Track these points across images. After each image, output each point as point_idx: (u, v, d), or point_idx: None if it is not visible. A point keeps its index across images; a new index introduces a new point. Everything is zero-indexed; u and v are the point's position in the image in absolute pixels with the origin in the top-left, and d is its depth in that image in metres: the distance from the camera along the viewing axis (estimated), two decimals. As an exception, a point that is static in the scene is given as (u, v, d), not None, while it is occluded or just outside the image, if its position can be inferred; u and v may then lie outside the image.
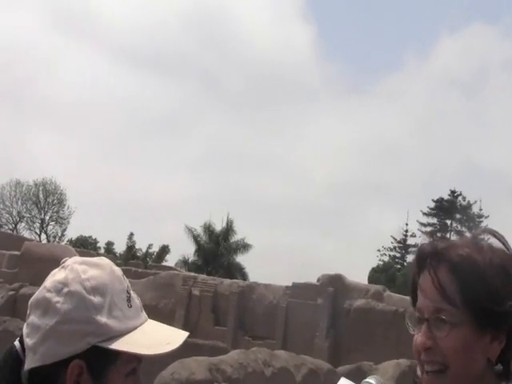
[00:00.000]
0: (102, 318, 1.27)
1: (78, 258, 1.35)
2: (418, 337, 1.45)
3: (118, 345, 1.26)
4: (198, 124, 77.28)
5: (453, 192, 52.47)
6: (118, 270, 1.35)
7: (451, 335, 1.42)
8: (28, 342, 1.28)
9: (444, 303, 1.43)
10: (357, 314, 26.46)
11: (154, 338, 1.31)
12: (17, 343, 1.32)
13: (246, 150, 73.47)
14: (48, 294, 1.29)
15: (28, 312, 1.31)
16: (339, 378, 1.41)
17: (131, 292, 1.34)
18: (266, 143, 74.78)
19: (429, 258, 1.49)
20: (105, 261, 1.36)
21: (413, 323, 1.49)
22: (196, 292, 28.34)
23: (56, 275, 1.32)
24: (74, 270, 1.30)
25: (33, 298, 1.31)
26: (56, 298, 1.27)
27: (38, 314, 1.29)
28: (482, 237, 1.52)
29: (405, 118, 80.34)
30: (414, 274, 1.53)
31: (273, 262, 63.30)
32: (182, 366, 15.39)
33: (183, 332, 1.37)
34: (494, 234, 1.51)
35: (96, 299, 1.28)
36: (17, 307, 26.05)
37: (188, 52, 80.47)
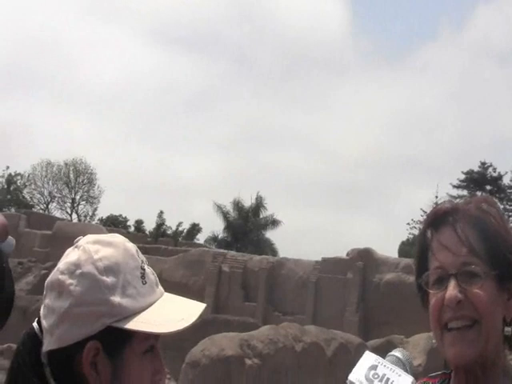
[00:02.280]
0: (116, 298, 1.26)
1: (91, 237, 1.34)
2: (447, 292, 1.43)
3: (133, 324, 1.26)
4: (229, 102, 77.08)
5: (483, 163, 51.88)
6: (131, 247, 1.34)
7: (482, 287, 1.42)
8: (45, 323, 1.29)
9: (471, 257, 1.43)
10: (387, 288, 26.42)
11: (169, 314, 1.30)
12: (35, 324, 1.32)
13: (276, 126, 73.24)
14: (61, 277, 1.28)
15: (44, 293, 1.32)
16: (364, 353, 1.39)
17: (146, 268, 1.33)
18: (297, 119, 74.41)
19: (450, 215, 1.48)
20: (118, 238, 1.35)
21: (429, 284, 1.47)
22: (226, 268, 28.48)
23: (69, 256, 1.31)
24: (87, 251, 1.29)
25: (48, 279, 1.32)
26: (69, 281, 1.27)
27: (52, 296, 1.29)
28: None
29: (438, 89, 79.21)
30: (425, 236, 1.52)
31: (303, 238, 63.37)
32: (212, 342, 15.53)
33: (200, 305, 1.36)
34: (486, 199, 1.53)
35: (109, 279, 1.27)
36: (50, 286, 26.42)
37: (220, 30, 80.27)
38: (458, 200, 1.54)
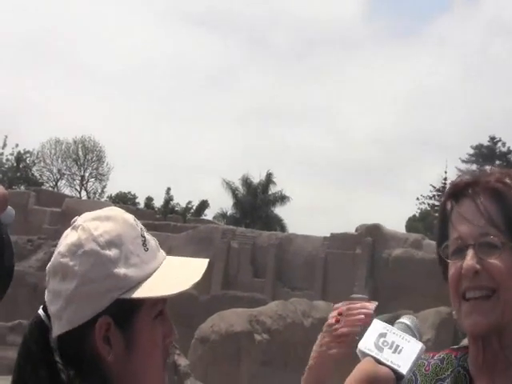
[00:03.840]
0: (121, 270, 1.25)
1: (88, 215, 1.32)
2: (465, 261, 1.44)
3: (141, 293, 1.26)
4: (241, 80, 76.91)
5: (492, 138, 51.57)
6: (129, 217, 1.33)
7: (500, 258, 1.43)
8: (51, 308, 1.28)
9: (490, 228, 1.44)
10: (395, 263, 26.46)
11: (174, 276, 1.30)
12: (41, 311, 1.31)
13: (289, 104, 72.97)
14: (63, 260, 1.27)
15: (47, 279, 1.31)
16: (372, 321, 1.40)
17: (146, 235, 1.33)
18: (310, 97, 74.26)
19: (470, 187, 1.50)
20: (115, 211, 1.34)
21: (449, 254, 1.50)
22: (235, 245, 28.57)
23: (68, 238, 1.30)
24: (86, 229, 1.28)
25: (49, 265, 1.30)
26: (72, 262, 1.26)
27: (56, 280, 1.28)
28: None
29: (451, 64, 78.76)
30: (446, 207, 1.54)
31: (311, 215, 63.42)
32: (221, 318, 15.62)
33: (203, 261, 1.36)
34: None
35: (112, 252, 1.26)
36: (60, 263, 26.58)
37: (236, 8, 79.71)
38: (478, 172, 1.56)
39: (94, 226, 1.29)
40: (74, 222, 1.32)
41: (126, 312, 1.26)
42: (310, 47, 79.37)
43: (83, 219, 1.31)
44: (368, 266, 27.10)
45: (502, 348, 1.46)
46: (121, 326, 1.26)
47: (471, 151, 51.78)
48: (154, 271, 1.30)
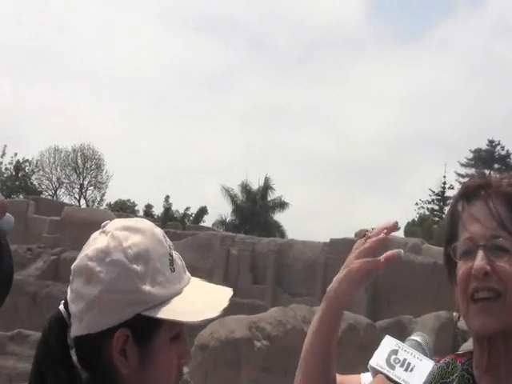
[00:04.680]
0: (146, 287, 1.25)
1: (118, 223, 1.32)
2: (475, 262, 1.45)
3: (163, 313, 1.25)
4: (242, 84, 76.97)
5: (491, 142, 51.71)
6: (159, 233, 1.33)
7: (509, 262, 1.44)
8: (73, 308, 1.28)
9: (501, 231, 1.46)
10: (395, 268, 26.43)
11: (198, 302, 1.29)
12: (62, 308, 1.32)
13: (289, 107, 73.12)
14: (90, 263, 1.27)
15: (71, 278, 1.31)
16: (384, 337, 1.39)
17: (173, 253, 1.32)
18: (310, 99, 74.30)
19: (483, 189, 1.51)
20: (146, 224, 1.33)
21: (458, 254, 1.50)
22: (234, 251, 28.55)
23: (97, 242, 1.29)
24: (116, 238, 1.27)
25: (75, 264, 1.30)
26: (98, 268, 1.26)
27: (81, 281, 1.27)
28: None
29: (454, 66, 78.95)
30: (457, 208, 1.55)
31: (311, 220, 63.41)
32: (221, 324, 15.60)
33: (227, 290, 1.36)
34: None
35: (139, 268, 1.26)
36: (59, 271, 26.56)
37: (237, 10, 79.86)
38: (489, 175, 1.58)
39: (124, 236, 1.28)
40: (105, 226, 1.32)
41: (146, 329, 1.26)
42: (310, 49, 79.74)
43: (114, 226, 1.31)
44: (368, 271, 27.07)
45: (508, 350, 1.47)
46: (138, 341, 1.26)
47: (470, 155, 51.88)
48: (179, 293, 1.29)
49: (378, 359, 1.33)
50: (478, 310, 1.45)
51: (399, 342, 1.36)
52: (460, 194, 1.56)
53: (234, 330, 15.58)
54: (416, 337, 1.40)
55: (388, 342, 1.36)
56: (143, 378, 1.27)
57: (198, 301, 1.30)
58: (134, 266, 1.25)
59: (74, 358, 1.27)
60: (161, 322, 1.26)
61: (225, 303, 1.31)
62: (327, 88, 77.05)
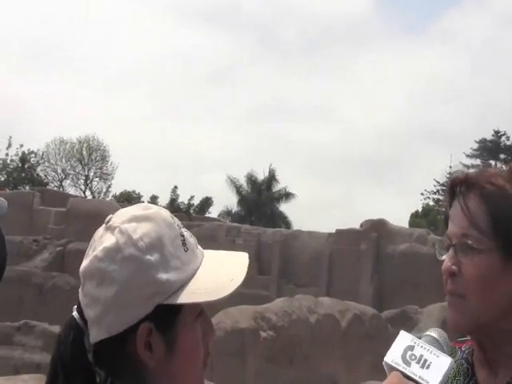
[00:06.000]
0: (163, 275, 1.19)
1: (124, 215, 1.25)
2: (444, 262, 1.46)
3: (183, 298, 1.20)
4: (248, 75, 76.70)
5: (496, 132, 51.51)
6: (167, 215, 1.26)
7: (476, 261, 1.41)
8: (89, 313, 1.22)
9: (471, 229, 1.43)
10: (400, 259, 26.44)
11: (216, 278, 1.25)
12: (75, 314, 1.25)
13: (295, 99, 72.94)
14: (101, 264, 1.20)
15: (82, 281, 1.24)
16: (399, 333, 1.34)
17: (184, 232, 1.27)
18: (316, 91, 74.05)
19: (460, 185, 1.48)
20: (152, 209, 1.27)
21: (441, 250, 1.50)
22: (240, 242, 28.58)
23: (105, 241, 1.22)
24: (124, 232, 1.21)
25: (84, 267, 1.23)
26: (111, 267, 1.19)
27: (93, 284, 1.21)
28: None
29: (460, 58, 78.45)
30: (446, 204, 1.54)
31: (316, 211, 63.39)
32: (226, 315, 15.63)
33: (243, 256, 1.32)
34: None
35: (153, 257, 1.20)
36: (65, 263, 26.62)
37: (242, 2, 79.39)
38: (470, 170, 1.54)
39: (132, 228, 1.21)
40: (109, 221, 1.25)
41: (168, 316, 1.22)
42: (316, 42, 79.25)
43: (120, 220, 1.24)
44: (373, 261, 27.09)
45: (496, 347, 1.45)
46: (162, 329, 1.21)
47: (475, 145, 51.73)
48: (195, 272, 1.25)
49: (393, 355, 1.28)
50: (448, 308, 1.48)
51: (415, 337, 1.31)
52: (447, 191, 1.55)
53: (239, 321, 15.61)
54: (432, 332, 1.35)
55: (403, 338, 1.30)
56: (170, 364, 1.23)
57: (217, 275, 1.25)
58: (148, 257, 1.19)
59: (92, 361, 1.22)
60: (182, 306, 1.22)
61: (244, 271, 1.28)
62: (332, 80, 76.87)
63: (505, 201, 1.43)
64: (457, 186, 1.49)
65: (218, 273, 1.26)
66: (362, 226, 28.46)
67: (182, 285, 1.22)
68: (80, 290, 1.25)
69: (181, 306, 1.22)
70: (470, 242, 1.42)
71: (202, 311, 1.27)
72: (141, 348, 1.20)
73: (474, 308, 1.42)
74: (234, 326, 15.55)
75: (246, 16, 79.69)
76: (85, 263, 1.23)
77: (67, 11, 75.31)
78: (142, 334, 1.20)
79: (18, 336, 19.07)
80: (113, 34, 77.07)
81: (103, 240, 1.22)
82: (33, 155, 48.47)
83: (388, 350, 1.31)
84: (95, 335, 1.21)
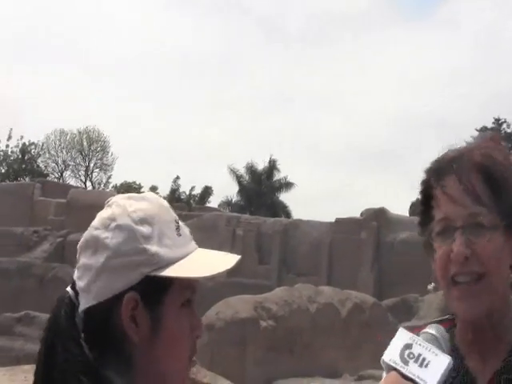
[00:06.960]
0: (153, 247, 1.24)
1: (122, 195, 1.33)
2: (454, 247, 1.37)
3: (171, 271, 1.24)
4: (246, 66, 76.46)
5: (497, 120, 51.41)
6: (165, 203, 1.33)
7: (490, 240, 1.36)
8: (80, 284, 1.27)
9: (478, 207, 1.36)
10: (401, 247, 26.45)
11: (206, 262, 1.29)
12: (69, 289, 1.30)
13: (298, 88, 72.65)
14: (96, 232, 1.26)
15: (78, 256, 1.30)
16: (398, 330, 1.32)
17: (180, 222, 1.32)
18: (318, 80, 73.89)
19: (454, 162, 1.40)
20: (151, 194, 1.34)
21: (433, 234, 1.43)
22: (240, 232, 28.60)
23: (102, 213, 1.29)
24: (121, 205, 1.28)
25: (81, 240, 1.29)
26: (105, 234, 1.25)
27: (88, 253, 1.27)
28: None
29: (460, 46, 78.16)
30: (428, 185, 1.45)
31: (316, 200, 63.39)
32: (226, 305, 15.67)
33: (235, 256, 1.35)
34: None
35: (145, 229, 1.25)
36: (65, 254, 26.67)
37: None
38: (463, 146, 1.44)
39: (129, 203, 1.28)
40: (108, 201, 1.32)
41: (154, 291, 1.25)
42: (318, 30, 79.04)
43: (118, 198, 1.31)
44: (373, 250, 27.11)
45: (492, 326, 1.41)
46: (148, 305, 1.24)
47: (475, 133, 51.71)
48: (186, 256, 1.29)
49: (391, 354, 1.26)
50: (460, 294, 1.38)
51: (414, 335, 1.28)
52: (431, 170, 1.45)
53: (240, 310, 15.64)
54: (431, 329, 1.33)
55: (402, 336, 1.28)
56: (154, 347, 1.25)
57: (206, 261, 1.30)
58: (140, 228, 1.25)
59: (83, 337, 1.25)
60: (170, 283, 1.25)
61: (233, 262, 1.31)
62: (334, 69, 76.66)
63: (501, 173, 1.38)
64: (450, 163, 1.41)
65: (208, 260, 1.31)
66: (362, 214, 28.47)
67: (171, 262, 1.26)
68: (76, 267, 1.30)
69: (169, 285, 1.25)
70: (481, 220, 1.35)
71: (190, 302, 1.29)
72: (126, 319, 1.23)
73: (493, 286, 1.37)
74: (234, 315, 15.58)
75: (250, 3, 79.36)
76: (82, 237, 1.30)
77: (68, 1, 75.10)
78: (128, 303, 1.23)
79: (18, 327, 19.12)
80: (113, 24, 76.96)
81: (101, 213, 1.30)
82: (33, 146, 48.45)
83: (387, 347, 1.29)
84: (84, 303, 1.26)
